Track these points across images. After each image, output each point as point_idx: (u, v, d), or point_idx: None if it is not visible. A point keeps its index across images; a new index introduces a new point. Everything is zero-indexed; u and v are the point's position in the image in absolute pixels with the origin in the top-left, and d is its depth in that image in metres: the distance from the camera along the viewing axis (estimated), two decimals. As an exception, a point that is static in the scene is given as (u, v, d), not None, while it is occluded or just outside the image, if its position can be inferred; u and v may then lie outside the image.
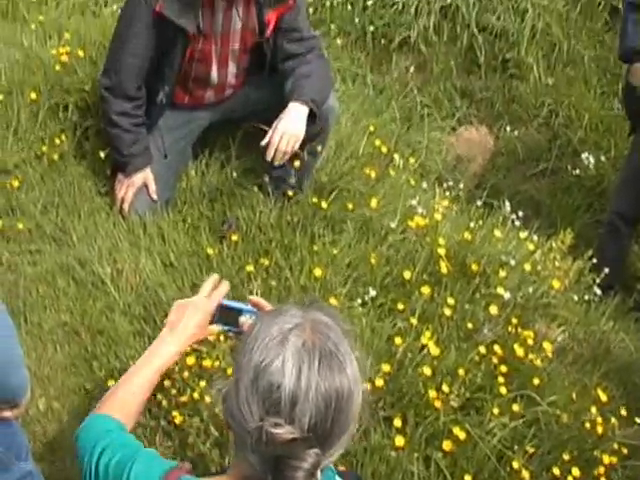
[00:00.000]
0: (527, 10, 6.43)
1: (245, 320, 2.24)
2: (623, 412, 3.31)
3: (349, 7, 6.42)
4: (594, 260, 4.29)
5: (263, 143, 3.38)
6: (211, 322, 2.26)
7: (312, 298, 1.77)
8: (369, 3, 6.40)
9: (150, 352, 2.16)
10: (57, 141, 3.95)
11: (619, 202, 4.95)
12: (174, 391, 3.00)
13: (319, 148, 3.74)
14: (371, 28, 6.31)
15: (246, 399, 1.51)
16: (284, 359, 1.49)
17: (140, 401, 2.08)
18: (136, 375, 2.11)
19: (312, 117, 3.49)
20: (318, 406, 1.49)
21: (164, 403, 2.99)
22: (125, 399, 2.04)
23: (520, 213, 4.38)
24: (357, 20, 6.34)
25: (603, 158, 5.87)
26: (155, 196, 3.78)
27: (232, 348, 2.96)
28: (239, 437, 1.55)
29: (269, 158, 3.39)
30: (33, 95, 4.03)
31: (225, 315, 2.25)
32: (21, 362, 1.97)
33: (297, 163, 3.63)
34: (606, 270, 4.21)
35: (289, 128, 3.39)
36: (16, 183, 3.78)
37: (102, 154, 3.86)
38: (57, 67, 4.14)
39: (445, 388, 3.04)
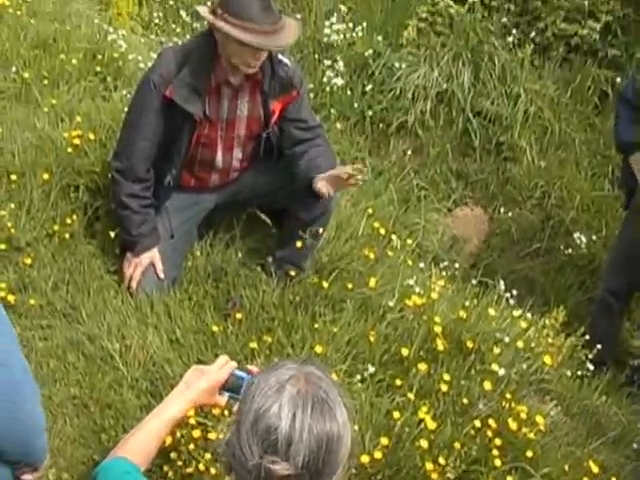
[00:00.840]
0: (520, 95, 6.65)
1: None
2: (614, 480, 3.41)
3: (349, 92, 6.63)
4: (587, 337, 4.40)
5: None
6: (221, 388, 2.45)
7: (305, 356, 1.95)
8: (368, 88, 6.62)
9: (161, 407, 2.41)
10: (68, 220, 4.06)
11: (610, 280, 5.06)
12: (180, 462, 3.09)
13: (320, 230, 3.88)
14: (370, 113, 6.52)
15: (247, 440, 1.68)
16: (281, 405, 1.67)
17: (150, 448, 2.29)
18: (145, 427, 2.34)
19: (317, 195, 3.67)
20: (311, 447, 1.66)
21: (170, 474, 3.08)
22: (137, 446, 2.24)
23: (514, 292, 4.50)
24: (356, 105, 6.54)
25: (594, 237, 6.02)
26: (162, 275, 3.89)
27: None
28: (240, 476, 1.72)
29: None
30: (45, 176, 4.16)
31: (232, 383, 2.44)
32: (44, 426, 2.08)
33: (299, 244, 3.78)
34: (598, 346, 4.32)
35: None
36: (28, 260, 3.89)
37: (112, 234, 3.97)
38: (69, 149, 4.27)
39: (442, 461, 3.13)
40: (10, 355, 1.82)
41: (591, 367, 4.27)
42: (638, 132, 4.64)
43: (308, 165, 3.73)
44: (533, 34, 7.04)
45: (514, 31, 7.04)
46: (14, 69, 5.10)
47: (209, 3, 3.73)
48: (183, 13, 7.66)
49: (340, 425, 1.71)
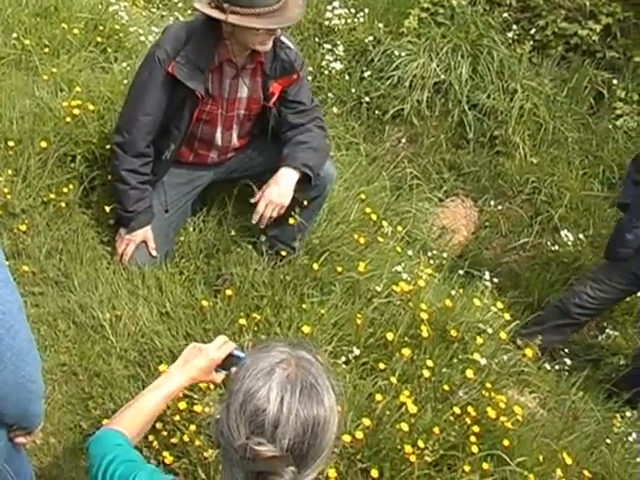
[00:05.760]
0: (516, 91, 6.68)
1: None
2: (587, 474, 3.47)
3: (347, 77, 6.67)
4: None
5: (252, 201, 3.68)
6: (218, 367, 2.51)
7: (298, 339, 1.99)
8: (366, 75, 6.66)
9: (158, 382, 2.43)
10: (64, 189, 4.09)
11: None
12: (165, 433, 3.15)
13: (314, 212, 3.95)
14: (366, 99, 6.56)
15: (235, 420, 1.72)
16: (270, 387, 1.71)
17: (145, 422, 2.33)
18: (143, 399, 2.36)
19: (309, 181, 3.71)
20: (297, 430, 1.70)
21: (155, 444, 3.14)
22: (132, 419, 2.28)
23: (499, 284, 4.56)
24: (353, 90, 6.58)
25: (582, 236, 6.10)
26: (154, 253, 3.94)
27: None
28: (227, 453, 1.76)
29: (254, 222, 3.69)
30: (43, 144, 4.17)
31: (230, 362, 2.49)
32: (42, 393, 2.13)
33: (291, 221, 3.84)
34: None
35: (275, 196, 3.66)
36: (23, 227, 3.92)
37: (107, 207, 4.02)
38: (67, 119, 4.29)
39: (420, 444, 3.19)
40: (16, 322, 1.87)
41: (569, 362, 4.36)
42: None
43: (287, 152, 3.77)
44: (533, 31, 7.08)
45: (514, 27, 7.08)
46: (15, 35, 5.08)
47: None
48: (186, -13, 7.65)
49: (327, 410, 1.74)
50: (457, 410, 3.37)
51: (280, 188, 3.67)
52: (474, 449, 3.26)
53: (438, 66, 6.63)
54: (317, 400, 1.73)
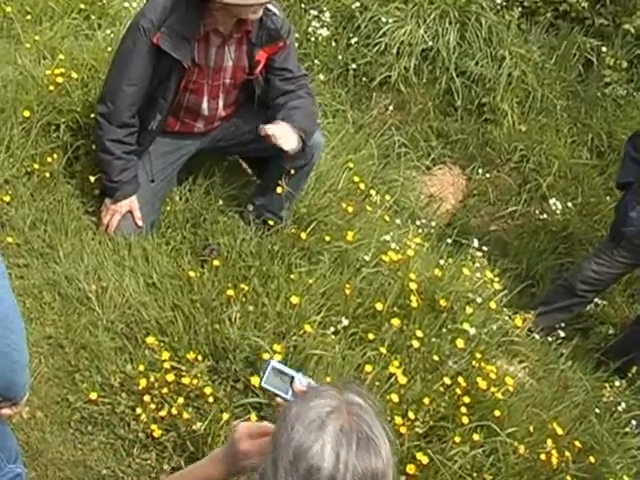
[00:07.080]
0: (504, 58, 6.61)
1: (299, 389, 2.00)
2: (578, 444, 3.47)
3: (333, 44, 6.59)
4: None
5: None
6: (260, 381, 2.06)
7: (345, 379, 1.82)
8: (353, 41, 6.57)
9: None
10: (48, 159, 4.03)
11: None
12: (153, 406, 3.13)
13: (302, 180, 3.91)
14: (353, 66, 6.48)
15: (285, 478, 1.56)
16: (324, 443, 1.56)
17: None
18: None
19: (302, 146, 3.69)
20: None
21: (143, 417, 3.12)
22: None
23: (488, 253, 4.54)
24: (340, 57, 6.50)
25: (570, 205, 6.08)
26: (140, 223, 3.89)
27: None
28: None
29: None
30: (26, 113, 4.11)
31: (276, 378, 2.04)
32: (27, 362, 2.08)
33: (279, 189, 3.80)
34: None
35: (280, 134, 3.63)
36: (7, 198, 3.86)
37: (92, 178, 3.97)
38: (50, 87, 4.22)
39: (411, 415, 3.19)
40: (0, 290, 1.83)
41: (562, 334, 4.35)
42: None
43: (284, 116, 3.73)
44: (522, -3, 7.01)
45: (502, -7, 7.00)
46: (-5, 2, 5.00)
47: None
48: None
49: (384, 461, 1.60)
50: (447, 380, 3.37)
51: (287, 131, 3.65)
52: (464, 420, 3.26)
53: (426, 33, 6.54)
54: (375, 452, 1.59)
